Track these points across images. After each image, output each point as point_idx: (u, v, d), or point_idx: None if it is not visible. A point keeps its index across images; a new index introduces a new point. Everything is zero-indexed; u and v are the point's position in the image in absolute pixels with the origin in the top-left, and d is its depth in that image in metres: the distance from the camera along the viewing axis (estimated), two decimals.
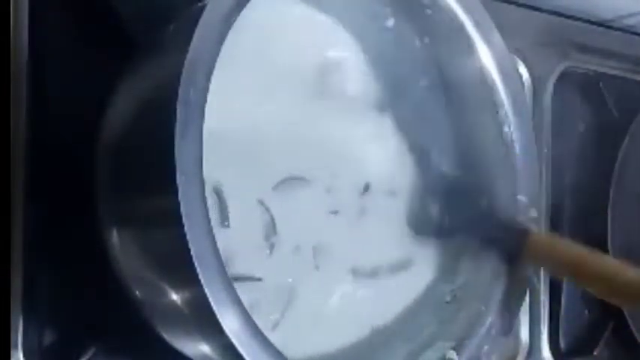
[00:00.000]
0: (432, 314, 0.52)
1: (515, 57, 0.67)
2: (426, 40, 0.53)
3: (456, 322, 0.51)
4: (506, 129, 0.52)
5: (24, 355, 0.47)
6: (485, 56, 0.53)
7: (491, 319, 0.50)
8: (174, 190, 0.38)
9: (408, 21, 0.53)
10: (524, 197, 0.52)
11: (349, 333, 0.51)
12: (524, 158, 0.53)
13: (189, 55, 0.40)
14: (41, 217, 0.48)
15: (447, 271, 0.54)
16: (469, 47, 0.52)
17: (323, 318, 0.50)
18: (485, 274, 0.52)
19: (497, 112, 0.53)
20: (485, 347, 0.49)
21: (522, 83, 0.67)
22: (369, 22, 0.53)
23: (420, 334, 0.51)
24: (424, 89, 0.55)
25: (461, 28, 0.52)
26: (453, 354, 0.48)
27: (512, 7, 0.69)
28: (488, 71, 0.53)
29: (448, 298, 0.52)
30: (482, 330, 0.50)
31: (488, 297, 0.51)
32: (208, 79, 0.41)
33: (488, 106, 0.53)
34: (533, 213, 0.52)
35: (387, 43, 0.54)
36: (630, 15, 0.73)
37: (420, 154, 0.55)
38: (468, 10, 0.52)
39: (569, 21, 0.72)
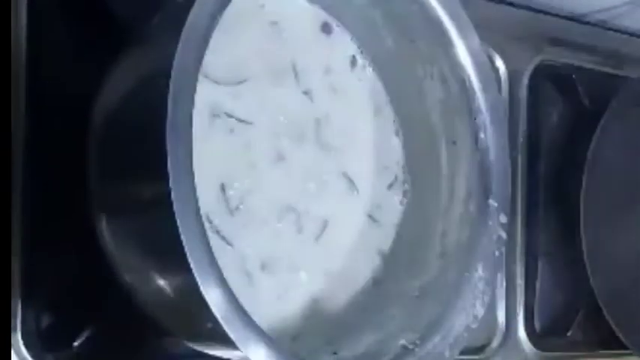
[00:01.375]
0: (402, 307, 0.53)
1: (492, 51, 0.67)
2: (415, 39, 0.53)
3: (423, 316, 0.51)
4: (482, 135, 0.52)
5: (22, 337, 0.48)
6: (465, 58, 0.52)
7: (456, 314, 0.50)
8: (165, 177, 0.39)
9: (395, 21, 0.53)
10: (495, 202, 0.52)
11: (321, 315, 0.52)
12: (497, 165, 0.52)
13: (180, 46, 0.40)
14: (39, 207, 0.49)
15: (416, 267, 0.54)
16: (448, 47, 0.52)
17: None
18: (452, 273, 0.52)
19: (475, 119, 0.52)
20: (450, 340, 0.50)
21: (500, 88, 0.67)
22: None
23: (388, 324, 0.51)
24: None
25: (439, 26, 0.52)
26: (415, 344, 0.49)
27: (491, 4, 0.69)
28: (467, 75, 0.52)
29: (417, 293, 0.53)
30: (447, 325, 0.50)
31: (455, 294, 0.51)
32: (198, 68, 0.40)
33: (466, 112, 0.53)
34: (503, 219, 0.52)
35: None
36: (602, 10, 0.73)
37: None
38: (445, 7, 0.52)
39: (544, 16, 0.73)
